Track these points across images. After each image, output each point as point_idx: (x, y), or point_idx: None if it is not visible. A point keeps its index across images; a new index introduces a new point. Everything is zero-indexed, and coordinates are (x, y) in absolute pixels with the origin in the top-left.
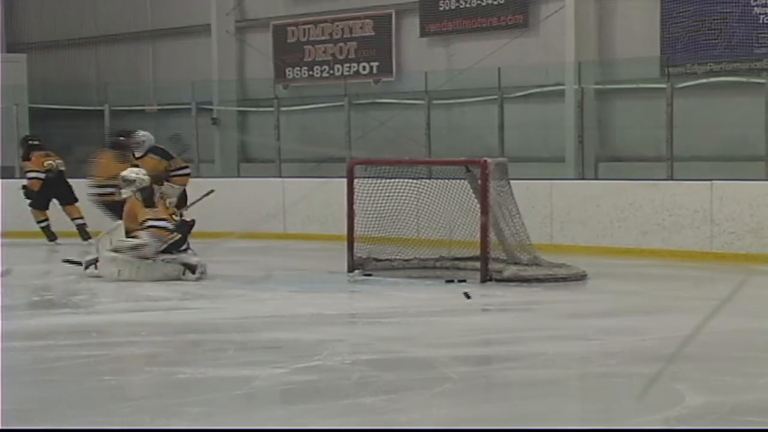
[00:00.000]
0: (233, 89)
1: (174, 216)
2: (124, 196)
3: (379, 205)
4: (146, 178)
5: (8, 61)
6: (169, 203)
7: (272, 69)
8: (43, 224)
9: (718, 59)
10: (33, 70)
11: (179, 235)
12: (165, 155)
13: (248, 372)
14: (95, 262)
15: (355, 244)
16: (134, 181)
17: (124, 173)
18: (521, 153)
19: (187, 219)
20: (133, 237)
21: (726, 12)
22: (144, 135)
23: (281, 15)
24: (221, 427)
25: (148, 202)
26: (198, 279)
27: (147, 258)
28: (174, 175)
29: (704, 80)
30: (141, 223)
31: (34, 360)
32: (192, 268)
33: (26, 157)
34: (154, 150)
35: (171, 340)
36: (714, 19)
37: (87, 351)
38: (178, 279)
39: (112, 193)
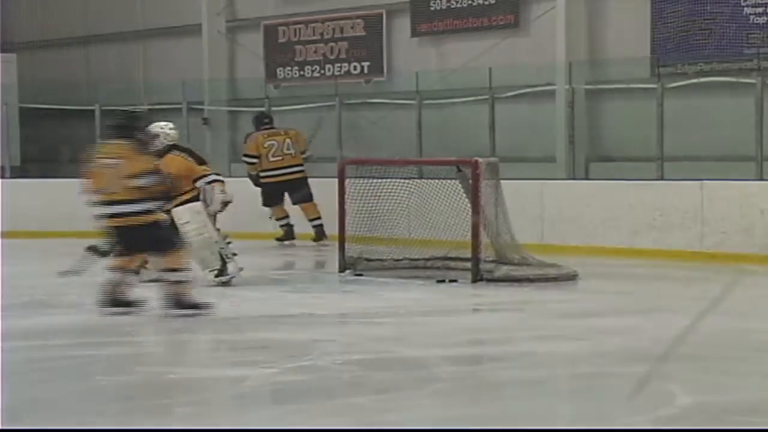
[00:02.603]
0: (224, 89)
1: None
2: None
3: (370, 204)
4: (172, 132)
5: None
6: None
7: (263, 69)
8: None
9: (708, 59)
10: (23, 69)
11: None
12: None
13: (239, 372)
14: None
15: (346, 243)
16: (158, 135)
17: (148, 127)
18: (512, 153)
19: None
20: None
21: (716, 12)
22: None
23: (272, 15)
24: (212, 427)
25: (197, 158)
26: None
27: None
28: None
29: (695, 80)
30: (198, 179)
31: (26, 360)
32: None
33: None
34: None
35: (161, 341)
36: (704, 20)
37: (78, 351)
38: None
39: None
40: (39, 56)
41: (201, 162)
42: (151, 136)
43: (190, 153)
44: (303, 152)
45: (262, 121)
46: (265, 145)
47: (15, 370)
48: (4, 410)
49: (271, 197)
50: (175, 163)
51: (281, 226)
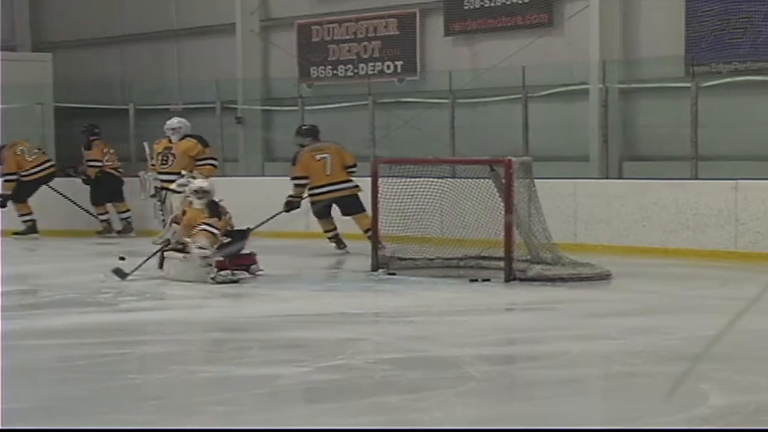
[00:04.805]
0: (257, 88)
1: (229, 226)
2: (196, 207)
3: (403, 204)
4: (215, 189)
5: (34, 60)
6: (228, 217)
7: (296, 68)
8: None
9: (743, 58)
10: (58, 69)
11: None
12: (201, 141)
13: (271, 371)
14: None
15: (380, 243)
16: (209, 192)
17: (201, 184)
18: (545, 152)
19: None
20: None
21: (751, 11)
22: (180, 121)
23: (306, 14)
24: (244, 427)
25: (214, 213)
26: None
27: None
28: (201, 164)
29: (729, 79)
30: (195, 227)
31: (59, 358)
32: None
33: (88, 147)
34: (190, 135)
35: (195, 339)
36: (739, 18)
37: (111, 349)
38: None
39: None
40: (74, 56)
41: (211, 215)
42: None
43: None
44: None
45: (93, 132)
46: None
47: (48, 367)
48: (38, 408)
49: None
50: (193, 213)
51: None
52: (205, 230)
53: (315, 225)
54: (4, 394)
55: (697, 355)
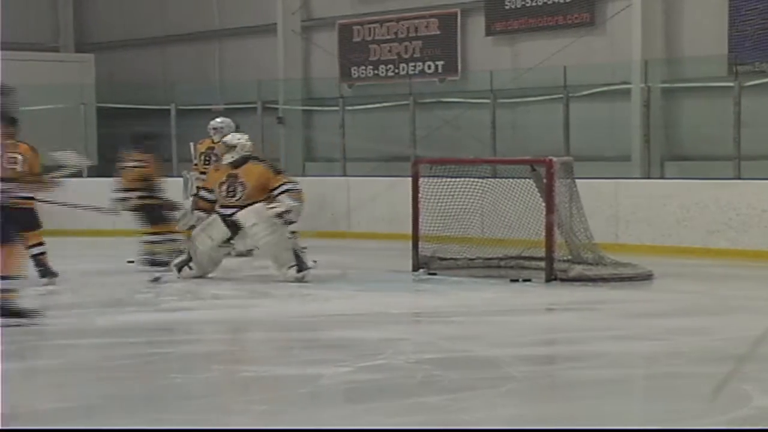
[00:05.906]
0: (299, 88)
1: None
2: (225, 162)
3: (443, 204)
4: (249, 144)
5: (77, 60)
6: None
7: (337, 68)
8: None
9: None
10: (101, 69)
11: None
12: None
13: (313, 370)
14: (187, 263)
15: (420, 243)
16: (235, 146)
17: (225, 138)
18: (587, 152)
19: None
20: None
21: None
22: (223, 121)
23: (347, 14)
24: (286, 426)
25: (278, 169)
26: (296, 280)
27: (293, 222)
28: None
29: None
30: (274, 189)
31: (101, 357)
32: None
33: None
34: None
35: (237, 339)
36: None
37: (153, 349)
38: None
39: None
40: (116, 56)
41: (278, 172)
42: (228, 146)
43: (267, 164)
44: None
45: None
46: None
47: (90, 366)
48: (79, 406)
49: None
50: (255, 171)
51: None
52: (290, 191)
53: (357, 225)
54: (50, 393)
55: (740, 356)
